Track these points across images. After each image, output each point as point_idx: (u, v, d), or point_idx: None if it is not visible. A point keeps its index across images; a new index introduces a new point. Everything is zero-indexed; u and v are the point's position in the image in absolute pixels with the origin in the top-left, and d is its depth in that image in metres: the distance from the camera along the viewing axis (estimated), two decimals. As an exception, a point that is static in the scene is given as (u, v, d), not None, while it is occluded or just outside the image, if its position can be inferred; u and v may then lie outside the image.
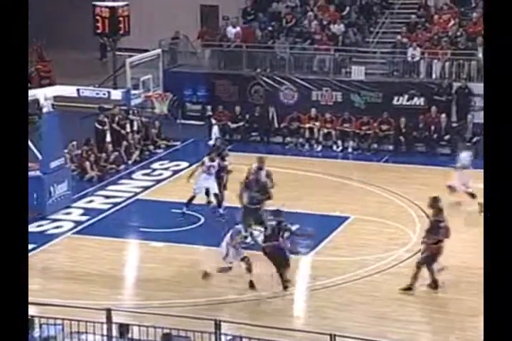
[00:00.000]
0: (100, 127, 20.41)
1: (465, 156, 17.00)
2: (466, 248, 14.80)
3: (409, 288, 13.13)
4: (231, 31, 23.80)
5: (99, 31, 22.19)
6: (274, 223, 13.43)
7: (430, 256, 13.17)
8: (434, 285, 13.26)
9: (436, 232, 13.15)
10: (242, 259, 13.26)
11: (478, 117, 20.62)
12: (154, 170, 19.78)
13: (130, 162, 20.12)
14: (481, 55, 21.21)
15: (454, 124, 21.02)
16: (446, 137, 20.77)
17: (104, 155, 19.57)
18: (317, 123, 21.51)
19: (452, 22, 22.53)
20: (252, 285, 13.23)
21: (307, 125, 21.54)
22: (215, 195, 16.32)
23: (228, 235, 13.39)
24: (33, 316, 9.55)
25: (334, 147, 21.32)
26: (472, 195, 16.40)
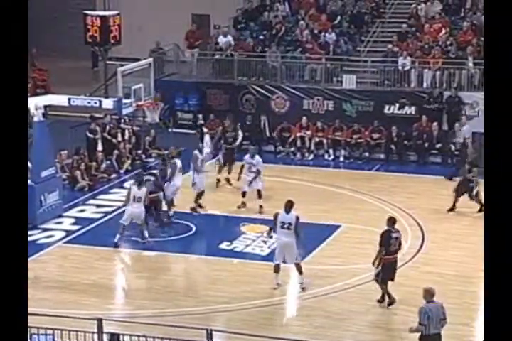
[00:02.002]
0: (91, 136, 20.39)
1: (260, 160, 17.35)
2: (459, 257, 14.86)
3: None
4: (222, 40, 23.88)
5: (90, 40, 22.24)
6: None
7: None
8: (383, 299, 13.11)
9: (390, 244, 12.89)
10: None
11: (468, 125, 20.78)
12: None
13: (122, 171, 20.13)
14: (471, 64, 21.36)
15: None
16: (438, 146, 20.86)
17: (95, 164, 19.56)
18: (308, 132, 21.57)
19: (443, 31, 22.64)
20: None
21: (298, 134, 21.60)
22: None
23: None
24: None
25: (325, 156, 21.38)
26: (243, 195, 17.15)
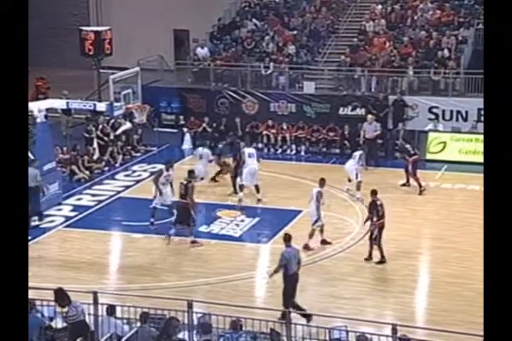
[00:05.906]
0: (88, 135, 20.29)
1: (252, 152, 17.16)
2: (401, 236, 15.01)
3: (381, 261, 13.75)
4: (200, 52, 23.83)
5: (85, 52, 22.04)
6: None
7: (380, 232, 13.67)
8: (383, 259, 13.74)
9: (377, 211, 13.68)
10: None
11: (410, 125, 20.97)
12: (134, 171, 19.69)
13: (117, 165, 20.03)
14: (411, 73, 21.56)
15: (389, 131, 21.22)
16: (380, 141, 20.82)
17: (91, 158, 19.46)
18: (273, 131, 21.64)
19: (387, 44, 22.80)
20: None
21: (265, 132, 21.65)
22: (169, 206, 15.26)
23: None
24: (30, 299, 9.45)
25: (288, 151, 21.45)
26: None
